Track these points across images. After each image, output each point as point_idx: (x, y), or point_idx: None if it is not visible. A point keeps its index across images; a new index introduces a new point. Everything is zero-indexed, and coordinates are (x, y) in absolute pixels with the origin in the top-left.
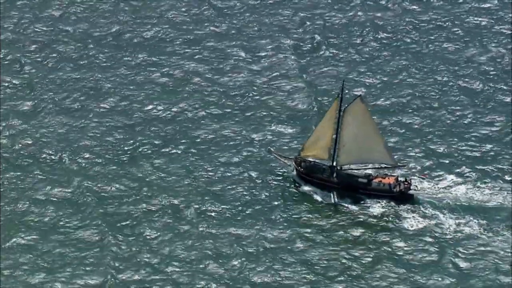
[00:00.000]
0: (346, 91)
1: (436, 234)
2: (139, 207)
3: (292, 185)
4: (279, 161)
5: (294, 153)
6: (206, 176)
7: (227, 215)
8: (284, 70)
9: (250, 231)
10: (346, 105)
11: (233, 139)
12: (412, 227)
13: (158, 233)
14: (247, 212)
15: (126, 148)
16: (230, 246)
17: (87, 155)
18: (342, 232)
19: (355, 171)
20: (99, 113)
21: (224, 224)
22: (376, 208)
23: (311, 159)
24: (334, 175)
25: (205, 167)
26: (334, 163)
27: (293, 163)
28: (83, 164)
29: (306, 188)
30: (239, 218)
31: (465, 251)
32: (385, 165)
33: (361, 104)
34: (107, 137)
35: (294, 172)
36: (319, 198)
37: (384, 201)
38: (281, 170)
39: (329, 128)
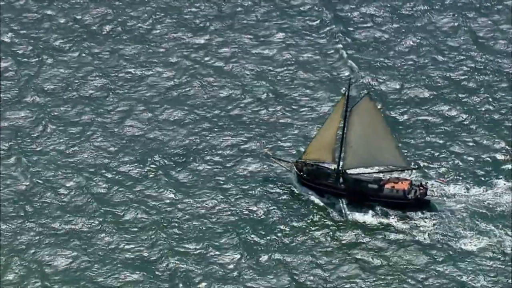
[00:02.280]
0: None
1: (457, 245)
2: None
3: (293, 193)
4: (279, 164)
5: (297, 155)
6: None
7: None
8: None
9: (261, 246)
10: (353, 104)
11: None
12: (432, 236)
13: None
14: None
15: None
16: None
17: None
18: (359, 248)
19: (364, 175)
20: (103, 125)
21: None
22: (391, 217)
23: (314, 162)
24: (340, 180)
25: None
26: (340, 167)
27: (294, 167)
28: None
29: (308, 195)
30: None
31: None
32: (397, 168)
33: (369, 102)
34: (123, 151)
35: (295, 178)
36: (325, 207)
37: (398, 209)
38: (281, 176)
39: (334, 129)
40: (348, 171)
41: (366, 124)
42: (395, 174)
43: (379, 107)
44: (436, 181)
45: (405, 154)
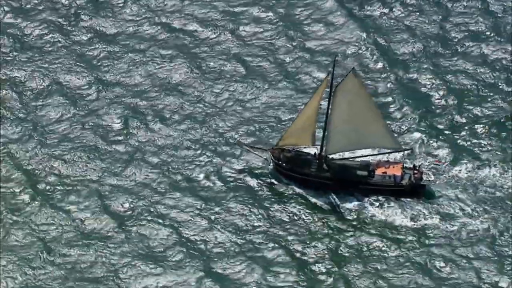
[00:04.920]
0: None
1: (457, 233)
2: None
3: (271, 185)
4: (253, 153)
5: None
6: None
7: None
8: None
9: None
10: (337, 83)
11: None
12: (430, 225)
13: None
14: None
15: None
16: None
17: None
18: (351, 242)
19: (350, 160)
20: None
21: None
22: (384, 206)
23: (291, 148)
24: (324, 167)
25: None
26: (323, 152)
27: (270, 155)
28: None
29: (288, 186)
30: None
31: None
32: (386, 150)
33: (354, 79)
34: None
35: (272, 167)
36: (310, 199)
37: (391, 196)
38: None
39: (314, 110)
40: (333, 156)
41: (351, 103)
42: (383, 157)
43: (365, 83)
44: (433, 164)
45: (395, 134)
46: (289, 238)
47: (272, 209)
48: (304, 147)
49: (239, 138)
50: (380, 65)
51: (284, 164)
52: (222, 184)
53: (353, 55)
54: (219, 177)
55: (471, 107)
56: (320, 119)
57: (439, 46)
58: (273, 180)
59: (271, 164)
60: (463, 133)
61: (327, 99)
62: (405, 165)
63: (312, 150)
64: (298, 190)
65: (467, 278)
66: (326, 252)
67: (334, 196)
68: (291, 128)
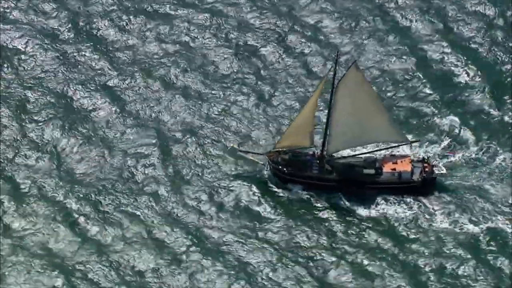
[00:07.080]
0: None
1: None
2: None
3: (270, 191)
4: (249, 158)
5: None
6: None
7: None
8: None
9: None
10: (339, 79)
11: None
12: (446, 225)
13: None
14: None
15: None
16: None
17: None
18: (364, 250)
19: (354, 158)
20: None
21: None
22: (397, 205)
23: (289, 149)
24: (327, 168)
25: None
26: (325, 151)
27: (268, 160)
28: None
29: (290, 192)
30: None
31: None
32: (392, 144)
33: (356, 72)
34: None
35: (269, 172)
36: (313, 203)
37: (401, 194)
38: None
39: (311, 108)
40: (334, 155)
41: (354, 96)
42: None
43: (367, 77)
44: (445, 155)
45: (401, 127)
46: (292, 244)
47: (273, 216)
48: (303, 148)
49: (233, 144)
50: (383, 59)
51: (284, 169)
52: (215, 193)
53: (354, 49)
54: (214, 187)
55: (481, 98)
56: (322, 119)
57: (444, 38)
58: (272, 185)
59: (267, 169)
60: (476, 122)
61: (326, 98)
62: (413, 158)
63: (311, 150)
64: (299, 194)
65: (483, 277)
66: (332, 258)
67: (342, 198)
68: (289, 129)
